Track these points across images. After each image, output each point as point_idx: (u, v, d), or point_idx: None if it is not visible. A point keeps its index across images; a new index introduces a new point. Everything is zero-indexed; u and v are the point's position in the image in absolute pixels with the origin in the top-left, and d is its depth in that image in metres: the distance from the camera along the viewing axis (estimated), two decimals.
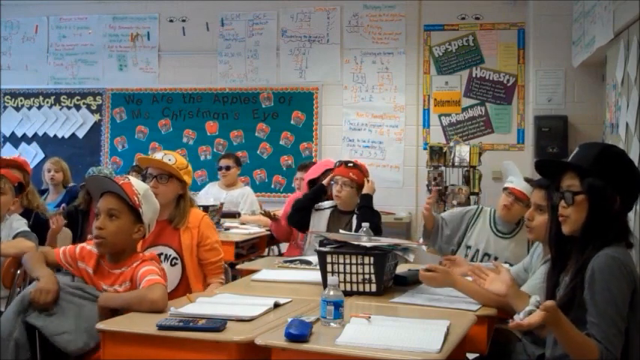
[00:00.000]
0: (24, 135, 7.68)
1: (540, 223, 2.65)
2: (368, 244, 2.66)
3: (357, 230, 3.68)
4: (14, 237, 3.36)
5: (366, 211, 3.88)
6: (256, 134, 7.09)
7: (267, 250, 5.29)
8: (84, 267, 2.58)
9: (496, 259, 3.48)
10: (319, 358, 1.88)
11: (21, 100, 7.70)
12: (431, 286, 2.60)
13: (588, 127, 5.95)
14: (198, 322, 2.07)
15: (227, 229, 4.87)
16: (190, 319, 2.11)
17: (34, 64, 7.67)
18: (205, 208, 4.35)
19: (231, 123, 7.15)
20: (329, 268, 2.65)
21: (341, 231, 3.26)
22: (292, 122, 7.00)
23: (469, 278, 2.49)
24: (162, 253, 2.99)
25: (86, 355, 2.36)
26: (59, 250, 2.67)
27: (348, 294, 2.54)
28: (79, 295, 2.45)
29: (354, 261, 2.63)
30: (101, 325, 2.15)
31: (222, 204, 5.07)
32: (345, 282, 2.62)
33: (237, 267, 3.57)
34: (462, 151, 5.95)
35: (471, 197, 5.88)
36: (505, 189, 3.47)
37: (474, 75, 6.62)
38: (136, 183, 2.63)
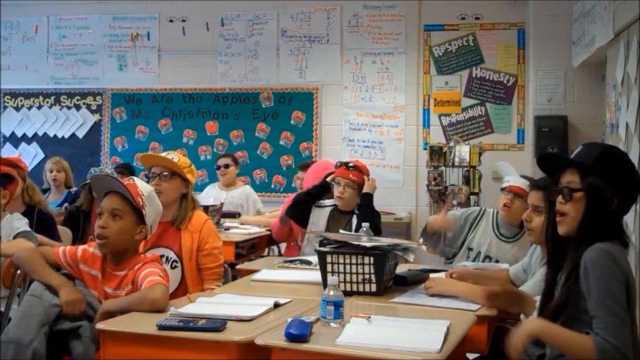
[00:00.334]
0: (24, 135, 7.68)
1: (539, 225, 2.65)
2: (368, 244, 2.66)
3: (357, 230, 3.68)
4: (14, 237, 3.35)
5: (366, 210, 3.87)
6: (256, 134, 7.09)
7: (267, 250, 5.29)
8: (87, 270, 2.58)
9: (497, 262, 3.48)
10: (319, 358, 1.88)
11: (21, 100, 7.70)
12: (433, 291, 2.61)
13: (588, 127, 5.95)
14: (198, 322, 2.07)
15: (227, 229, 4.87)
16: (190, 319, 2.10)
17: (34, 64, 7.67)
18: (205, 209, 4.34)
19: (231, 123, 7.15)
20: (329, 268, 2.65)
21: (341, 231, 3.25)
22: (292, 122, 7.00)
23: None
24: (163, 255, 2.98)
25: None
26: (58, 250, 2.66)
27: (348, 294, 2.54)
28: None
29: (354, 261, 2.63)
30: (101, 325, 2.14)
31: (222, 204, 5.07)
32: (345, 282, 2.62)
33: (237, 267, 3.57)
34: (462, 151, 5.95)
35: (471, 197, 5.89)
36: (503, 189, 3.47)
37: (473, 75, 6.62)
38: (141, 184, 2.64)
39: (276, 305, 2.36)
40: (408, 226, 6.57)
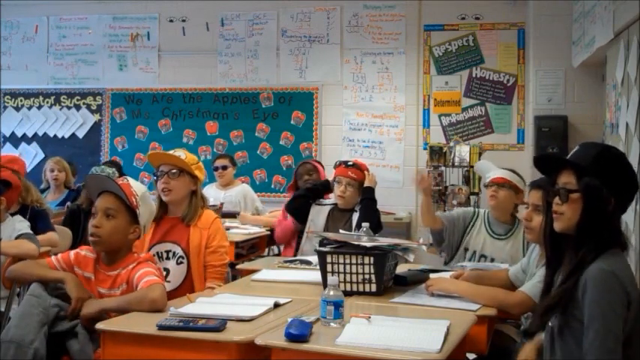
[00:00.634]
0: (24, 135, 7.68)
1: (538, 224, 2.65)
2: (368, 244, 2.66)
3: (357, 227, 3.69)
4: (16, 238, 3.36)
5: (369, 203, 3.89)
6: (256, 134, 7.09)
7: (267, 250, 5.29)
8: (80, 273, 2.57)
9: (492, 260, 3.51)
10: (319, 358, 1.88)
11: (21, 100, 7.70)
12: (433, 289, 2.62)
13: (588, 127, 5.95)
14: (198, 322, 2.07)
15: (227, 229, 4.86)
16: (190, 319, 2.11)
17: (34, 64, 7.67)
18: None
19: (231, 123, 7.15)
20: (329, 268, 2.65)
21: (341, 230, 3.26)
22: (292, 122, 7.00)
23: None
24: (170, 250, 3.00)
25: None
26: (52, 259, 2.65)
27: (348, 294, 2.54)
28: None
29: (354, 261, 2.63)
30: (101, 325, 2.15)
31: (222, 204, 5.07)
32: (345, 282, 2.63)
33: (237, 267, 3.58)
34: (462, 151, 5.96)
35: (471, 197, 5.89)
36: (486, 185, 3.57)
37: (473, 75, 6.62)
38: (135, 184, 2.64)
39: (276, 305, 2.37)
40: (408, 226, 6.57)
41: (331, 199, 4.15)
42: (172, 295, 2.71)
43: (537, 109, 6.16)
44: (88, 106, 7.53)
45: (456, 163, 5.97)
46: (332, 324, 2.06)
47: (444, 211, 4.24)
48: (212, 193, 5.79)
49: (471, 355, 2.60)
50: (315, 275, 2.83)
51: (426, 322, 2.12)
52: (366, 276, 2.63)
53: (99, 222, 2.52)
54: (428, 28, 6.73)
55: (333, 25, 6.92)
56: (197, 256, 2.99)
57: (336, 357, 1.87)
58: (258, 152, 7.08)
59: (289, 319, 2.00)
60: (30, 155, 7.47)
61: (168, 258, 3.00)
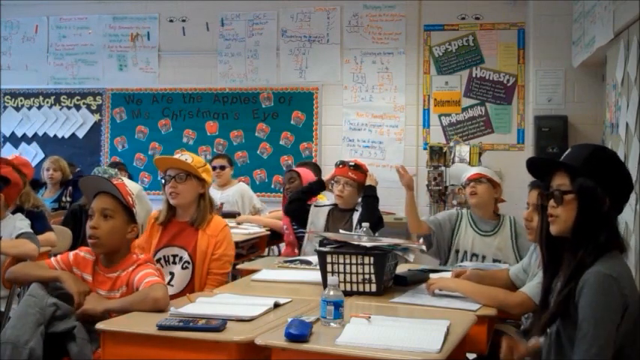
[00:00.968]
0: (24, 135, 7.68)
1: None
2: (368, 244, 2.66)
3: (358, 224, 3.70)
4: (17, 237, 3.35)
5: (371, 200, 3.91)
6: (256, 134, 7.09)
7: (267, 250, 5.29)
8: (79, 273, 2.57)
9: (484, 257, 3.53)
10: (319, 358, 1.88)
11: (21, 100, 7.70)
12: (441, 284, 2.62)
13: (588, 127, 5.95)
14: (198, 322, 2.07)
15: None
16: (190, 319, 2.11)
17: (34, 64, 7.67)
18: None
19: (231, 123, 7.15)
20: (329, 268, 2.65)
21: (341, 230, 3.26)
22: (292, 122, 7.00)
23: None
24: (176, 255, 2.99)
25: None
26: (51, 261, 2.65)
27: (348, 294, 2.54)
28: None
29: (354, 261, 2.63)
30: (101, 325, 2.15)
31: (222, 204, 5.07)
32: (345, 282, 2.63)
33: (237, 267, 3.57)
34: (462, 151, 5.96)
35: None
36: (463, 185, 3.68)
37: (473, 75, 6.62)
38: (130, 184, 2.65)
39: (276, 305, 2.37)
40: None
41: (325, 200, 4.18)
42: (173, 299, 2.70)
43: (537, 109, 6.16)
44: (88, 106, 7.53)
45: (456, 163, 5.96)
46: (332, 324, 2.06)
47: (445, 210, 4.27)
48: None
49: (471, 355, 2.60)
50: (315, 275, 2.83)
51: (426, 322, 2.12)
52: (366, 276, 2.63)
53: (96, 223, 2.52)
54: (428, 28, 6.73)
55: (333, 25, 6.92)
56: (203, 263, 2.97)
57: (336, 357, 1.87)
58: (258, 152, 7.08)
59: (289, 319, 2.00)
60: (30, 155, 7.46)
61: (174, 262, 2.99)
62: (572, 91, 6.10)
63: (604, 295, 1.79)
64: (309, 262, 3.32)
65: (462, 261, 3.57)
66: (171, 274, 2.97)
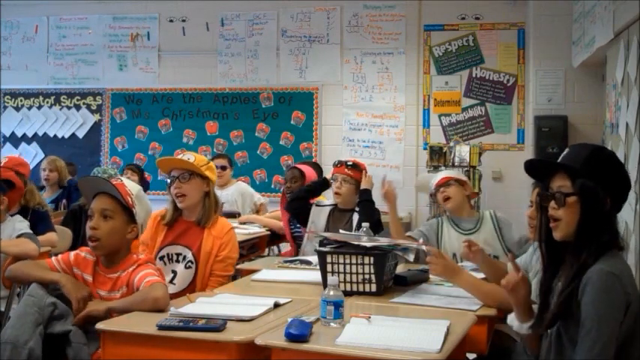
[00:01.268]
0: (24, 135, 7.68)
1: None
2: (368, 244, 2.66)
3: (357, 227, 3.70)
4: (17, 238, 3.36)
5: (366, 204, 3.91)
6: (256, 134, 7.09)
7: (267, 250, 5.29)
8: (80, 274, 2.57)
9: None
10: (319, 358, 1.88)
11: (21, 100, 7.70)
12: (436, 271, 2.61)
13: (588, 127, 5.96)
14: (198, 322, 2.07)
15: None
16: (190, 319, 2.10)
17: (34, 64, 7.67)
18: None
19: (231, 123, 7.15)
20: (329, 268, 2.65)
21: (341, 230, 3.26)
22: (292, 122, 7.00)
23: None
24: (180, 254, 2.99)
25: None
26: (52, 260, 2.65)
27: (348, 294, 2.54)
28: None
29: (354, 261, 2.63)
30: (101, 325, 2.14)
31: (222, 204, 5.05)
32: (345, 282, 2.62)
33: (237, 267, 3.57)
34: (462, 151, 5.96)
35: None
36: (433, 193, 3.74)
37: (473, 75, 6.62)
38: (129, 184, 2.65)
39: (276, 305, 2.36)
40: (408, 226, 6.56)
41: (325, 200, 4.18)
42: (174, 298, 2.70)
43: (537, 109, 6.16)
44: (88, 106, 7.53)
45: (456, 163, 5.97)
46: (332, 324, 2.06)
47: (445, 211, 4.24)
48: None
49: (471, 355, 2.59)
50: (315, 275, 2.83)
51: (426, 322, 2.12)
52: (366, 276, 2.62)
53: (96, 223, 2.52)
54: (428, 28, 6.73)
55: (333, 25, 6.93)
56: (206, 263, 2.97)
57: (336, 357, 1.87)
58: (258, 152, 7.08)
59: (289, 319, 2.00)
60: (30, 155, 7.47)
61: (177, 261, 2.99)
62: (572, 91, 6.10)
63: (607, 292, 1.79)
64: (309, 262, 3.32)
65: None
66: (174, 272, 2.97)
